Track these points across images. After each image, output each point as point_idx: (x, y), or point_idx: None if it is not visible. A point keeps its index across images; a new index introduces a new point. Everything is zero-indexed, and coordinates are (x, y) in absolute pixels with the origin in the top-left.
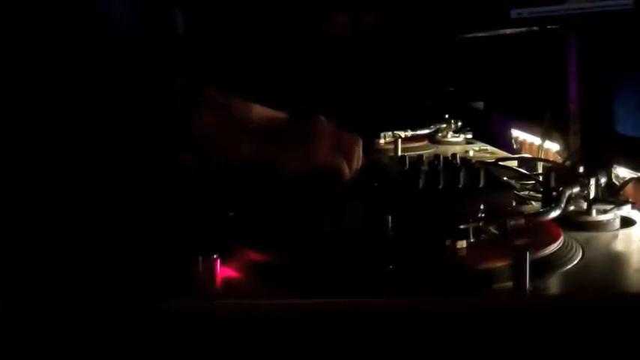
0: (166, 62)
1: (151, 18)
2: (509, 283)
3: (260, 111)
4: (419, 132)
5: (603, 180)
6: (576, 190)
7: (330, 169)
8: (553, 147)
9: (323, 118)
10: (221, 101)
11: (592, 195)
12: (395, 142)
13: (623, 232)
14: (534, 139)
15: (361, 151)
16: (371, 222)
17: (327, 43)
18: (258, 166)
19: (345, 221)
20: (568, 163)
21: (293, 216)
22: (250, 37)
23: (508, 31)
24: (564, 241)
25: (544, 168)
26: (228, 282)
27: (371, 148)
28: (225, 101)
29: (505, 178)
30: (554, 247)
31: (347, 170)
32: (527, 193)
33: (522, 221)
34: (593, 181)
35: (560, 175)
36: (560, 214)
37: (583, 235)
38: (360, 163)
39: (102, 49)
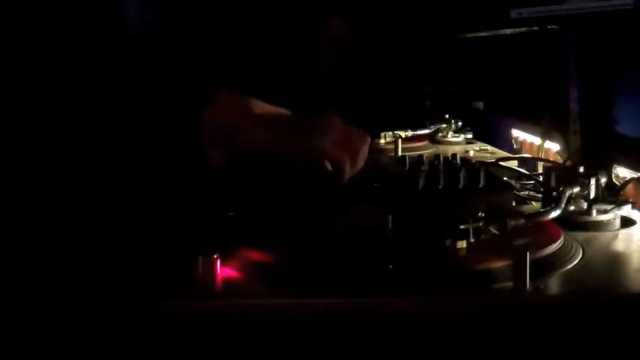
0: (171, 62)
1: (156, 18)
2: (510, 283)
3: (267, 107)
4: (419, 132)
5: (603, 180)
6: (576, 190)
7: (331, 163)
8: (553, 147)
9: (331, 113)
10: (231, 98)
11: (592, 195)
12: (395, 142)
13: (623, 232)
14: (534, 139)
15: (367, 150)
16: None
17: (327, 44)
18: (264, 157)
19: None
20: (568, 163)
21: (293, 216)
22: (250, 38)
23: (508, 31)
24: (564, 241)
25: (544, 168)
26: (228, 282)
27: (371, 148)
28: (234, 98)
29: (505, 178)
30: (554, 247)
31: (348, 167)
32: (527, 193)
33: (522, 221)
34: (593, 181)
35: (560, 175)
36: (560, 214)
37: (583, 235)
38: (364, 161)
39: (104, 49)
